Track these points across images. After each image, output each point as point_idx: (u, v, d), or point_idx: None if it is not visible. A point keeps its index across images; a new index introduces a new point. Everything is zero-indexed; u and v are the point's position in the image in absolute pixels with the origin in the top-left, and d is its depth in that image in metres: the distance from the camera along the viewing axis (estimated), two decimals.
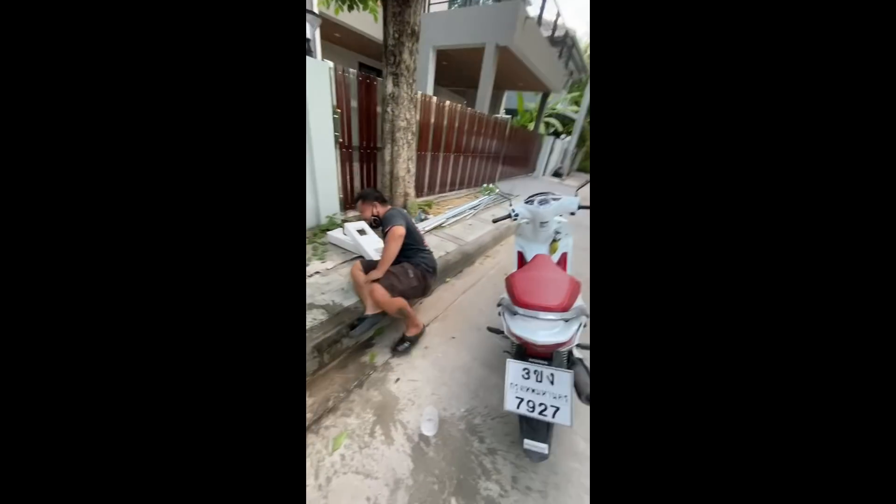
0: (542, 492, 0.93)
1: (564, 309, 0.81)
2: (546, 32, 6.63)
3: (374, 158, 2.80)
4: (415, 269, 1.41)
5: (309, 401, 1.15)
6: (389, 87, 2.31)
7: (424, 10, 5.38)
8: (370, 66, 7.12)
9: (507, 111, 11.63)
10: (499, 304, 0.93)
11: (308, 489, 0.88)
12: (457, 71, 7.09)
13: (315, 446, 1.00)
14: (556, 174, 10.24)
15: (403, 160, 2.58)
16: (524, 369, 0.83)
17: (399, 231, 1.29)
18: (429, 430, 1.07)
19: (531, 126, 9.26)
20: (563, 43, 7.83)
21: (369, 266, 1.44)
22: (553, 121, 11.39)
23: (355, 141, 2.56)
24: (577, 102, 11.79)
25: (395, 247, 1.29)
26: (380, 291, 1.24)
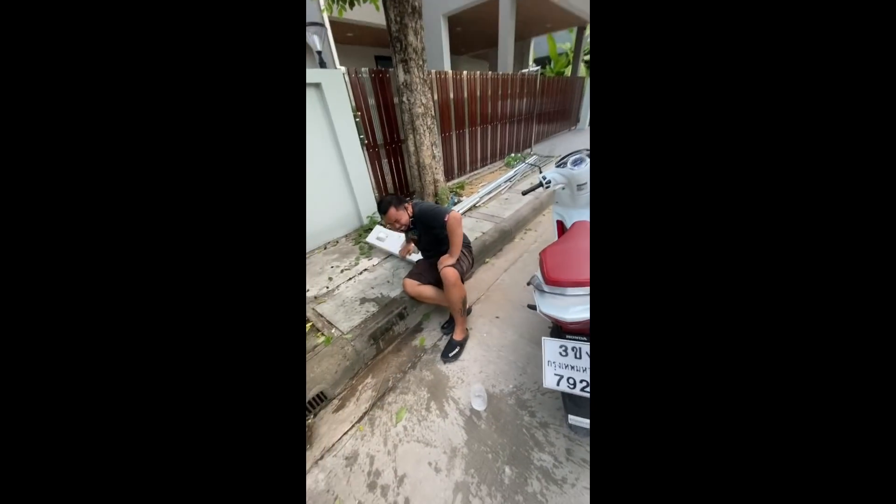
0: None
1: None
2: None
3: (400, 151, 2.86)
4: (465, 249, 1.46)
5: (372, 381, 1.33)
6: (401, 76, 2.28)
7: None
8: (387, 57, 7.09)
9: (537, 61, 10.32)
10: (528, 283, 0.90)
11: (378, 454, 1.03)
12: (473, 33, 6.53)
13: (381, 419, 1.15)
14: None
15: (427, 147, 2.56)
16: (561, 346, 0.80)
17: (459, 215, 1.33)
18: (479, 405, 1.13)
19: (568, 71, 8.05)
20: None
21: (416, 274, 1.47)
22: None
23: (379, 138, 2.64)
24: None
25: (461, 230, 1.34)
26: (455, 276, 1.30)
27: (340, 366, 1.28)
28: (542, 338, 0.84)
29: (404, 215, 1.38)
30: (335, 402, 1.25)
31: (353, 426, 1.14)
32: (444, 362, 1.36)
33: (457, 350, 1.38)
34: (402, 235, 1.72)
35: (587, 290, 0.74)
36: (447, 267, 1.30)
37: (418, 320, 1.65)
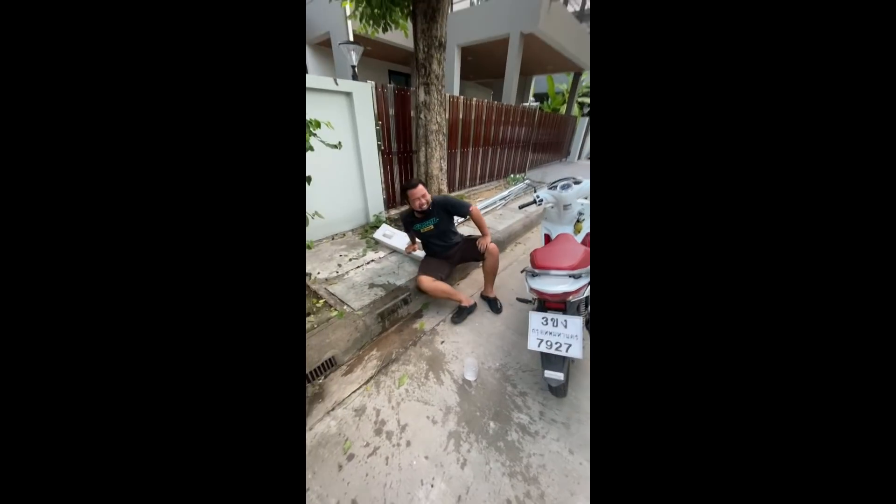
0: (565, 424, 1.14)
1: (573, 269, 1.01)
2: (573, 7, 6.32)
3: (411, 160, 3.13)
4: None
5: (378, 353, 1.50)
6: (422, 96, 2.60)
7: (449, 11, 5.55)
8: (399, 73, 7.54)
9: (537, 96, 11.23)
10: (522, 271, 1.15)
11: (384, 408, 1.21)
12: (482, 64, 7.14)
13: (386, 383, 1.33)
14: None
15: (436, 160, 2.86)
16: (543, 318, 1.05)
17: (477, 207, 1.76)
18: (470, 375, 1.34)
19: (563, 109, 8.88)
20: None
21: (429, 269, 1.69)
22: (587, 100, 10.70)
23: (394, 147, 2.92)
24: None
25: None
26: (497, 248, 1.72)
27: (352, 336, 1.46)
28: (529, 311, 1.08)
29: (427, 195, 1.69)
30: (344, 367, 1.42)
31: (360, 387, 1.31)
32: (496, 314, 1.78)
33: (499, 303, 1.83)
34: (406, 235, 1.98)
35: (564, 272, 1.02)
36: (492, 244, 1.71)
37: (419, 308, 1.85)
